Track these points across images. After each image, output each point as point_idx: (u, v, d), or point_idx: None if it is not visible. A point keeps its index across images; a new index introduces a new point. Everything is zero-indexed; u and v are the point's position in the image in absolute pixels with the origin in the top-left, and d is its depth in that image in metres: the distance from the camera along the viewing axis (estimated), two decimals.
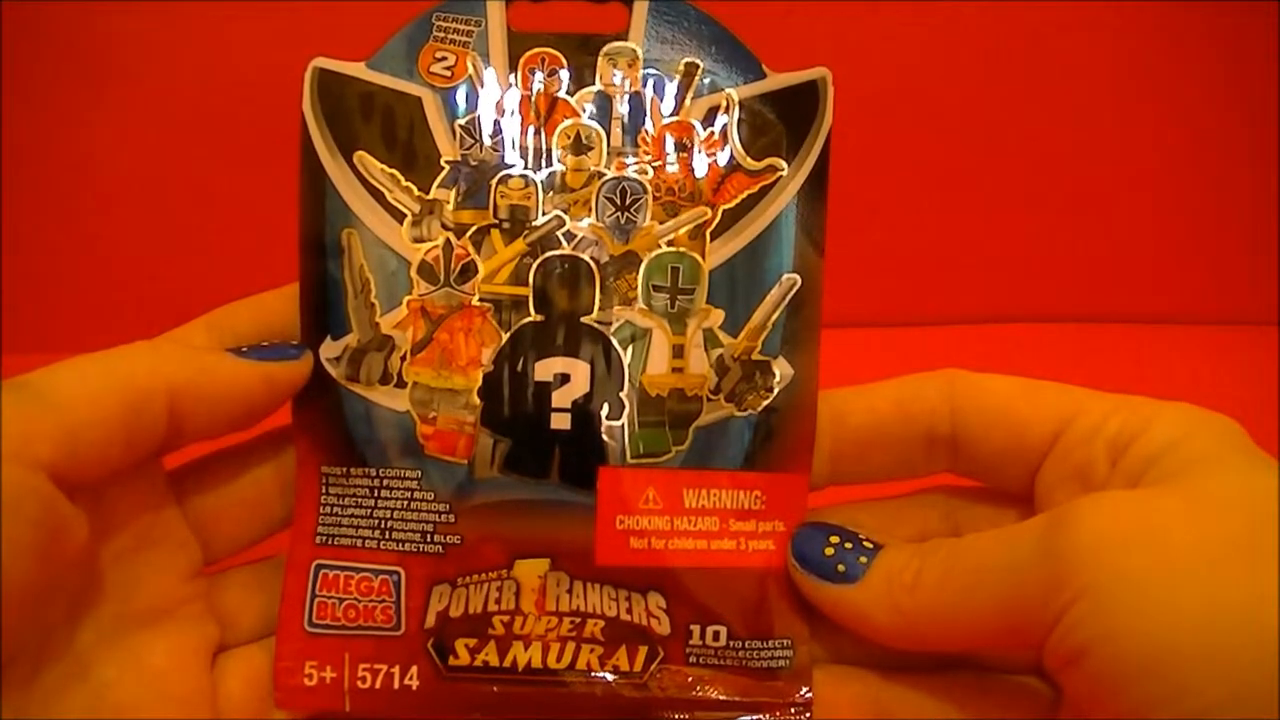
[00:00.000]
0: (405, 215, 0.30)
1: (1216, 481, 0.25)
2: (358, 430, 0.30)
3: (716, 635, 0.30)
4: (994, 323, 0.56)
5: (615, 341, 0.30)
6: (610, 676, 0.29)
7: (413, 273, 0.30)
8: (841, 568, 0.28)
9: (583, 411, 0.30)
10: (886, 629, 0.28)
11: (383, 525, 0.29)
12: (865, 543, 0.29)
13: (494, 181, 0.30)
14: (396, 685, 0.29)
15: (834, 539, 0.29)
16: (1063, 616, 0.24)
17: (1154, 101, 0.55)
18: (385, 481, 0.30)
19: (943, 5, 0.53)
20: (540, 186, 0.30)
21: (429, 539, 0.29)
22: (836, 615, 0.29)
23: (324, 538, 0.30)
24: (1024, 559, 0.25)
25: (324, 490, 0.30)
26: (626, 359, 0.30)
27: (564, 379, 0.30)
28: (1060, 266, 0.56)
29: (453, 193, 0.30)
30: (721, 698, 0.29)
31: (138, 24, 0.51)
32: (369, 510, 0.30)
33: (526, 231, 0.30)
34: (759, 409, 0.30)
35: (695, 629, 0.30)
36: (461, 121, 0.30)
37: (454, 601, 0.29)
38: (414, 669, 0.29)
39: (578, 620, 0.29)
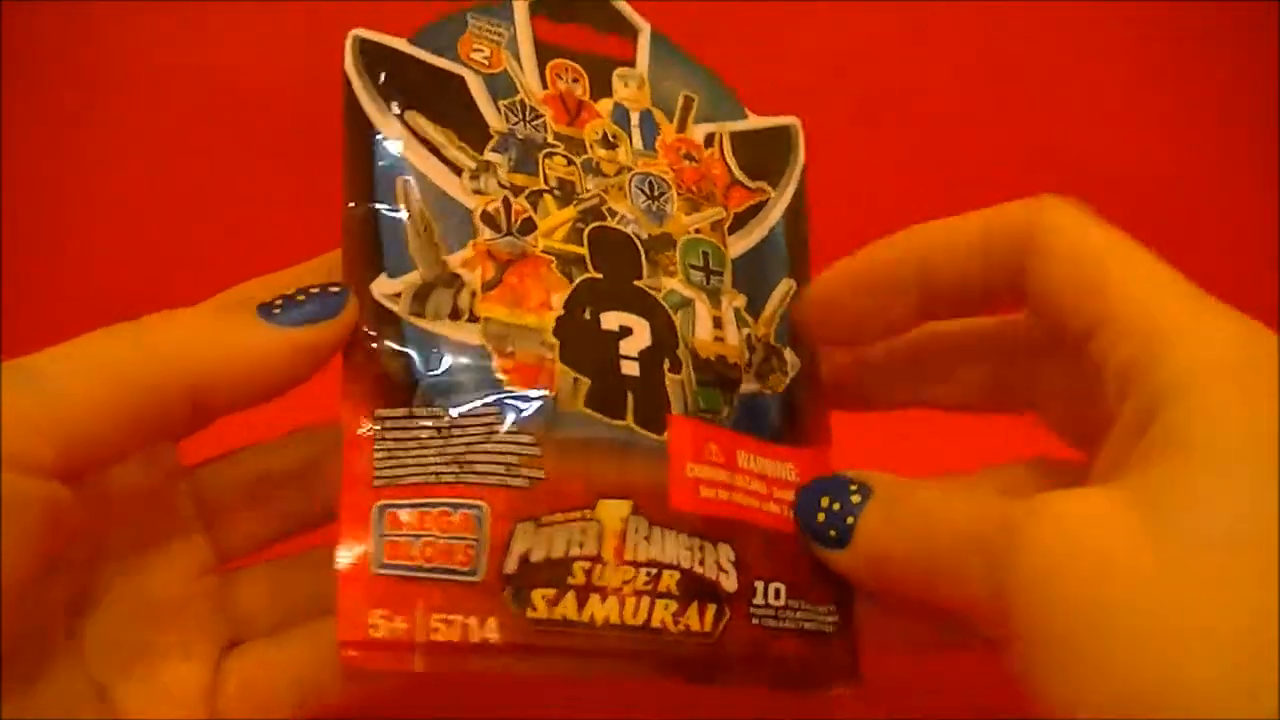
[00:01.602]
0: (463, 170, 0.30)
1: (1212, 490, 0.20)
2: (425, 365, 0.27)
3: (777, 593, 0.29)
4: None
5: (667, 306, 0.31)
6: (683, 636, 0.28)
7: (476, 220, 0.29)
8: (833, 533, 0.28)
9: (649, 361, 0.30)
10: (873, 590, 0.29)
11: (459, 460, 0.27)
12: (853, 496, 0.28)
13: (540, 155, 0.31)
14: (475, 639, 0.25)
15: (824, 501, 0.29)
16: (1006, 649, 0.22)
17: (1154, 101, 0.55)
18: (459, 419, 0.27)
19: (942, 4, 0.54)
20: (581, 168, 0.31)
21: (513, 472, 0.27)
22: (840, 575, 0.29)
23: (385, 480, 0.26)
24: (973, 572, 0.24)
25: (380, 436, 0.27)
26: (678, 321, 0.31)
27: (627, 331, 0.30)
28: None
29: (505, 158, 0.30)
30: (780, 658, 0.29)
31: (137, 24, 0.51)
32: (439, 448, 0.27)
33: (576, 201, 0.31)
34: (780, 389, 0.32)
35: (759, 585, 0.29)
36: (505, 101, 0.31)
37: (537, 544, 0.27)
38: (491, 620, 0.26)
39: (654, 572, 0.28)
